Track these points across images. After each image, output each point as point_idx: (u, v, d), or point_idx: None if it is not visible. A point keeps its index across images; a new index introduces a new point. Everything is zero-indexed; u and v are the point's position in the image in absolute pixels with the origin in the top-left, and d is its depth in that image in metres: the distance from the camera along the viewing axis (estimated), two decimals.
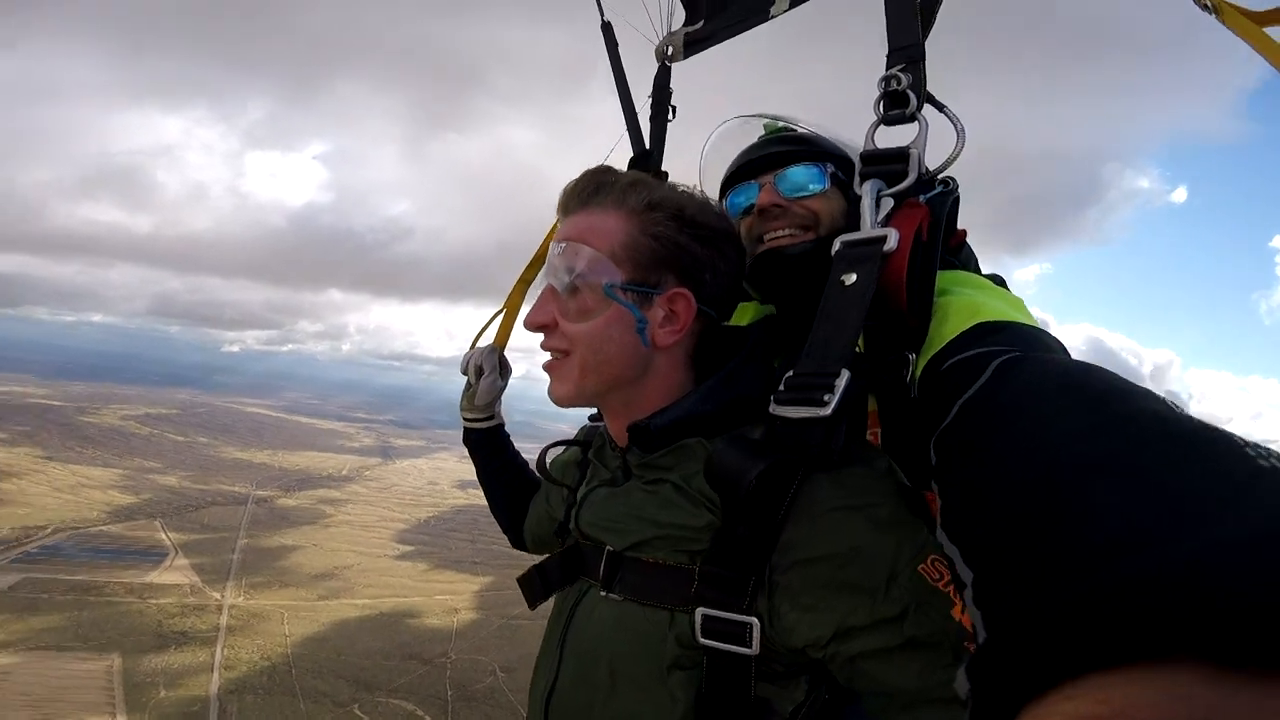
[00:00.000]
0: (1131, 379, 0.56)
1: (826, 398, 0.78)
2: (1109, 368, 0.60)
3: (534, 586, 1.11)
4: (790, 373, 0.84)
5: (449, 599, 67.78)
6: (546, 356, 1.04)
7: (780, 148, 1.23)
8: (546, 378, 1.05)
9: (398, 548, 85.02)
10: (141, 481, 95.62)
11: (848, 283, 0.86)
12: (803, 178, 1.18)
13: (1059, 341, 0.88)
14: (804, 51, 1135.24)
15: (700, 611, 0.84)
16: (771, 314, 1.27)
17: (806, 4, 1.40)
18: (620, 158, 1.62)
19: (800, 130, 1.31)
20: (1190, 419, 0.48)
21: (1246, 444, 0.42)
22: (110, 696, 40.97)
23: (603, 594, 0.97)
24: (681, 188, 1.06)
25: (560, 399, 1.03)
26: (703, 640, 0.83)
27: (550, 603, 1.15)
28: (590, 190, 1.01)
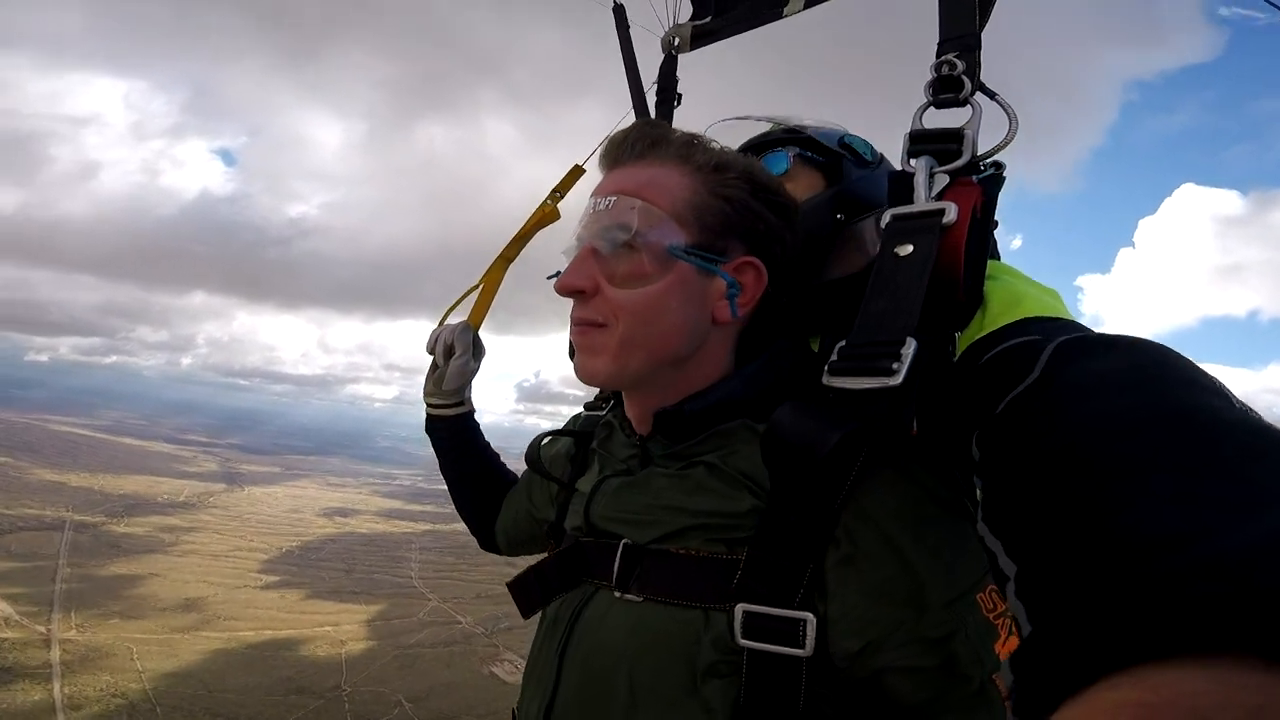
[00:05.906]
0: None
1: (895, 366, 0.66)
2: None
3: (530, 591, 0.97)
4: (843, 343, 0.73)
5: (331, 630, 61.45)
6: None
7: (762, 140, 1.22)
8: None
9: (262, 578, 75.85)
10: None
11: (903, 254, 0.76)
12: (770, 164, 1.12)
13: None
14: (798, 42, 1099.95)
15: (741, 608, 0.73)
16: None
17: (821, 4, 1.42)
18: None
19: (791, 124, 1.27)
20: (1252, 415, 0.47)
21: None
22: None
23: (617, 594, 0.85)
24: (741, 151, 0.96)
25: (595, 376, 0.90)
26: (742, 641, 0.72)
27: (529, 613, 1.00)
28: (646, 142, 0.91)
